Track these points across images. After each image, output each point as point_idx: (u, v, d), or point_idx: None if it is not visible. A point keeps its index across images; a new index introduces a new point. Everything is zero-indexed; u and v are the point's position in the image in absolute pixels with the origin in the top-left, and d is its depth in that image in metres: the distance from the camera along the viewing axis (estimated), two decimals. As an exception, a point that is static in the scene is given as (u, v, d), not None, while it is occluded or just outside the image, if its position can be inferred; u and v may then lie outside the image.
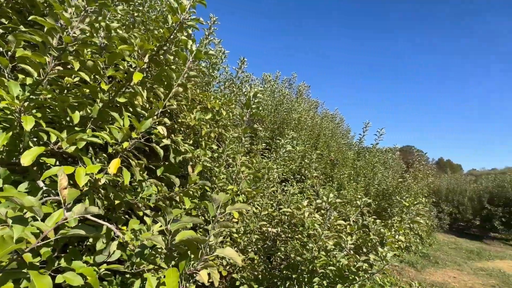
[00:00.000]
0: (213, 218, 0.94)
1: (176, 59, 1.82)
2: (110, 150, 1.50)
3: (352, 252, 2.06)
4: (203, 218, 2.32)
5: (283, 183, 4.26)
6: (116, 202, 1.55)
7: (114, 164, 1.31)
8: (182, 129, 2.32)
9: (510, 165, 48.50)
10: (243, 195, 2.22)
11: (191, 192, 2.06)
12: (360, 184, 5.95)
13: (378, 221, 2.51)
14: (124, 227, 1.58)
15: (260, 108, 4.96)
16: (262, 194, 3.10)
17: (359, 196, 2.73)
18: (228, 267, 2.63)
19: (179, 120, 2.29)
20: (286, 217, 2.76)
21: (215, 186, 2.67)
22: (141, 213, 1.72)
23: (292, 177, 4.80)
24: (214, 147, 2.69)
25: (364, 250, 2.39)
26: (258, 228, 3.05)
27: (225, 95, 3.20)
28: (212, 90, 3.71)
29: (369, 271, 1.92)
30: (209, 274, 1.06)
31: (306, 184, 4.15)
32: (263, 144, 4.59)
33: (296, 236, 2.57)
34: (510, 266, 8.58)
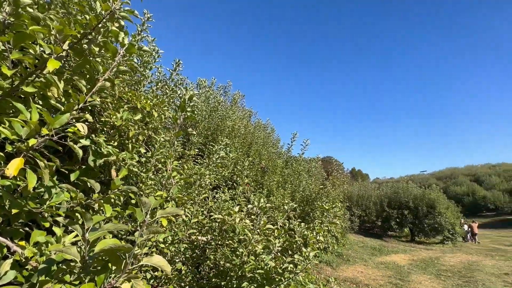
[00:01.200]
0: (141, 224, 0.87)
1: (103, 51, 1.65)
2: (9, 148, 1.25)
3: (279, 254, 2.17)
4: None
5: (215, 190, 4.22)
6: (14, 211, 1.28)
7: (15, 165, 1.09)
8: (105, 129, 2.09)
9: (403, 175, 59.01)
10: (173, 201, 2.12)
11: (113, 200, 1.86)
12: (287, 190, 6.35)
13: (302, 224, 2.71)
14: (22, 242, 1.32)
15: (195, 112, 4.85)
16: (193, 201, 3.01)
17: (286, 202, 2.92)
18: (152, 281, 2.45)
19: (102, 119, 2.06)
20: (216, 224, 2.74)
21: (142, 192, 2.47)
22: (47, 224, 1.46)
23: (224, 183, 4.81)
24: (143, 150, 2.50)
25: (290, 252, 2.55)
26: (187, 237, 2.94)
27: (157, 96, 3.03)
28: (143, 90, 3.46)
29: (294, 271, 2.06)
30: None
31: (238, 190, 4.22)
32: (196, 150, 4.49)
33: (227, 242, 2.57)
34: (402, 259, 10.33)
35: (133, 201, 2.56)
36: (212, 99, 6.99)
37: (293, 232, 2.40)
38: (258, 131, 7.54)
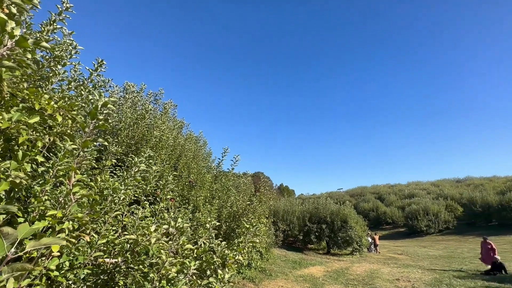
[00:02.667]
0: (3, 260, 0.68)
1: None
2: None
3: (195, 277, 2.05)
4: None
5: (134, 205, 3.83)
6: None
7: None
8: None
9: (324, 191, 65.06)
10: (71, 222, 1.80)
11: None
12: (214, 206, 6.23)
13: (223, 243, 2.65)
14: None
15: (110, 121, 4.40)
16: (102, 219, 2.64)
17: (209, 220, 2.82)
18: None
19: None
20: (129, 245, 2.45)
21: (33, 210, 2.05)
22: None
23: (144, 198, 4.42)
24: (40, 159, 2.10)
25: (208, 273, 2.44)
26: (92, 260, 2.55)
27: (66, 98, 2.63)
28: (50, 88, 2.98)
29: (209, 295, 1.96)
30: None
31: (160, 206, 3.92)
32: (114, 160, 4.03)
33: (138, 267, 2.31)
34: (318, 271, 11.12)
35: (20, 220, 2.11)
36: (140, 106, 6.51)
37: (212, 252, 2.32)
38: (189, 144, 7.29)
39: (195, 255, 2.61)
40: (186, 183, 6.52)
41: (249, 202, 6.51)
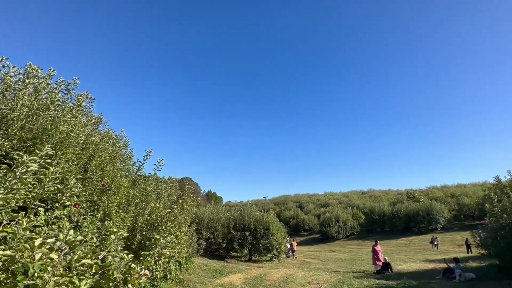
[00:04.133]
0: None
1: None
2: None
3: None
4: None
5: (22, 212, 3.16)
6: None
7: None
8: None
9: (251, 199, 66.74)
10: None
11: None
12: (129, 214, 5.66)
13: (130, 256, 2.40)
14: None
15: None
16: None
17: (115, 230, 2.52)
18: None
19: None
20: (1, 262, 1.98)
21: None
22: None
23: (35, 204, 3.70)
24: None
25: (107, 291, 2.16)
26: None
27: None
28: None
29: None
30: None
31: (56, 213, 3.33)
32: (-3, 157, 3.28)
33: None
34: (238, 278, 11.20)
35: None
36: (45, 95, 5.55)
37: (110, 268, 2.06)
38: (105, 143, 6.51)
39: (94, 271, 2.29)
40: (98, 187, 5.77)
41: (169, 210, 6.14)
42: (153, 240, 5.70)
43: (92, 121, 6.50)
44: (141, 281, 2.18)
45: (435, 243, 22.67)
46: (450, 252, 19.73)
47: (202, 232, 16.52)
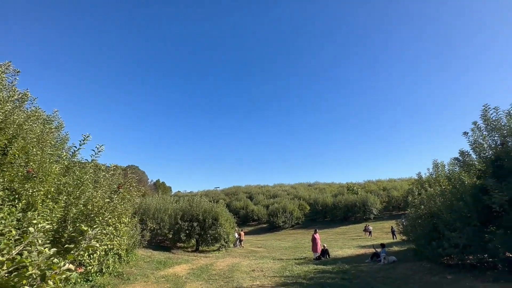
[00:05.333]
0: None
1: None
2: None
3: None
4: None
5: None
6: None
7: None
8: None
9: (201, 189, 65.81)
10: None
11: None
12: (60, 203, 5.10)
13: (53, 250, 2.16)
14: None
15: None
16: None
17: (35, 222, 2.23)
18: None
19: None
20: None
21: None
22: None
23: None
24: None
25: (22, 290, 1.92)
26: None
27: None
28: None
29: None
30: None
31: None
32: None
33: None
34: (183, 269, 11.03)
35: None
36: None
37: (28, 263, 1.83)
38: (31, 123, 5.70)
39: (5, 269, 2.01)
40: (21, 174, 5.06)
41: (108, 200, 5.70)
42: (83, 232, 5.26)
43: (15, 97, 5.62)
44: (63, 276, 1.98)
45: (369, 230, 25.33)
46: (379, 238, 22.28)
47: (147, 223, 15.78)
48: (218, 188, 66.87)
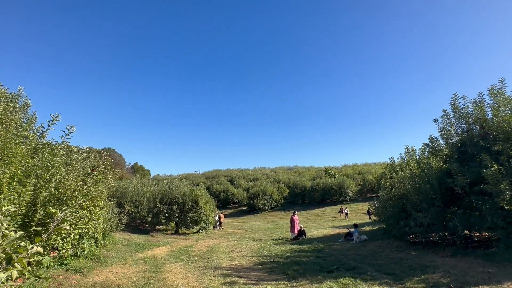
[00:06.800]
0: None
1: None
2: None
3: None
4: None
5: None
6: None
7: None
8: None
9: (181, 173, 65.20)
10: None
11: None
12: (28, 187, 4.87)
13: (19, 233, 2.09)
14: None
15: None
16: None
17: (5, 205, 2.12)
18: None
19: None
20: None
21: None
22: None
23: None
24: None
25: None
26: None
27: None
28: None
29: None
30: None
31: None
32: None
33: None
34: (162, 251, 11.09)
35: None
36: None
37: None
38: (-7, 102, 5.29)
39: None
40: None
41: (81, 183, 5.51)
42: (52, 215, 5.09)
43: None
44: (31, 260, 1.93)
45: (345, 212, 26.51)
46: (353, 219, 23.47)
47: (125, 206, 15.55)
48: (198, 172, 66.54)
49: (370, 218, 22.54)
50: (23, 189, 4.72)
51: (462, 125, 8.50)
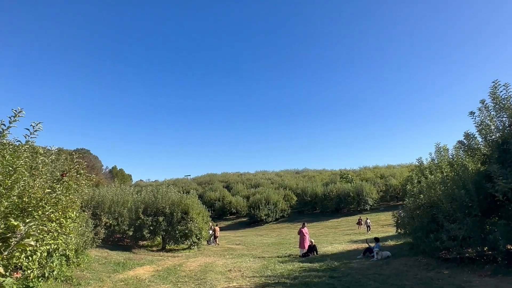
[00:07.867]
0: None
1: None
2: None
3: None
4: None
5: None
6: None
7: None
8: None
9: (169, 178, 65.29)
10: None
11: None
12: (-14, 195, 4.88)
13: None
14: None
15: None
16: None
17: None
18: None
19: None
20: None
21: None
22: None
23: None
24: None
25: None
26: None
27: None
28: None
29: None
30: None
31: None
32: None
33: None
34: (146, 271, 11.14)
35: None
36: None
37: None
38: None
39: None
40: None
41: (49, 190, 5.53)
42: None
43: None
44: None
45: (367, 224, 26.31)
46: (373, 232, 23.49)
47: (102, 218, 15.62)
48: (189, 177, 66.75)
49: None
50: (-20, 198, 4.74)
51: (504, 119, 8.45)
